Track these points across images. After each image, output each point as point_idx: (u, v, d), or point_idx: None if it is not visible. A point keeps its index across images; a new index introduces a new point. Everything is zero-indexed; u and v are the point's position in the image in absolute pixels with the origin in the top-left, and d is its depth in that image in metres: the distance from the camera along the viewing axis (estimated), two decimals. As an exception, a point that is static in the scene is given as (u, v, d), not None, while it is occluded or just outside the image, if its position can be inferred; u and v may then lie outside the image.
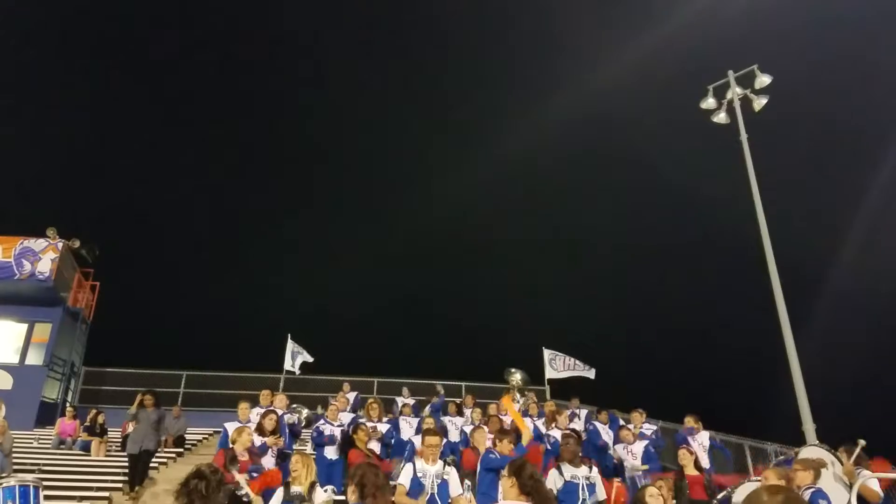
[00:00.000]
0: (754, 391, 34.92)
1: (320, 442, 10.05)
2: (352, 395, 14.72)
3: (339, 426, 10.30)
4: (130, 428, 11.23)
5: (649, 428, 11.89)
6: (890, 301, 34.70)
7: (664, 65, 40.56)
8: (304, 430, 11.60)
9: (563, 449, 6.91)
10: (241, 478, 6.74)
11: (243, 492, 6.49)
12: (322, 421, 10.48)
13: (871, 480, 6.12)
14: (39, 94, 40.04)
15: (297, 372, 17.21)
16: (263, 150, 50.15)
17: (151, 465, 11.56)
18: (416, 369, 20.96)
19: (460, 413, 12.93)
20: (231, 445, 7.63)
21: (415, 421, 11.93)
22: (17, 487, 6.51)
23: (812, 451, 6.86)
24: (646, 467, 9.58)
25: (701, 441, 10.21)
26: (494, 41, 50.37)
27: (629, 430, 10.28)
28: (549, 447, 10.21)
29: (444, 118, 48.74)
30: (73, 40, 41.75)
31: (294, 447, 10.22)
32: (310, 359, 17.24)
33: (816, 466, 6.12)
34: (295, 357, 16.88)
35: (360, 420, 10.42)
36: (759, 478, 6.37)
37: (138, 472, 10.55)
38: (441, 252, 45.67)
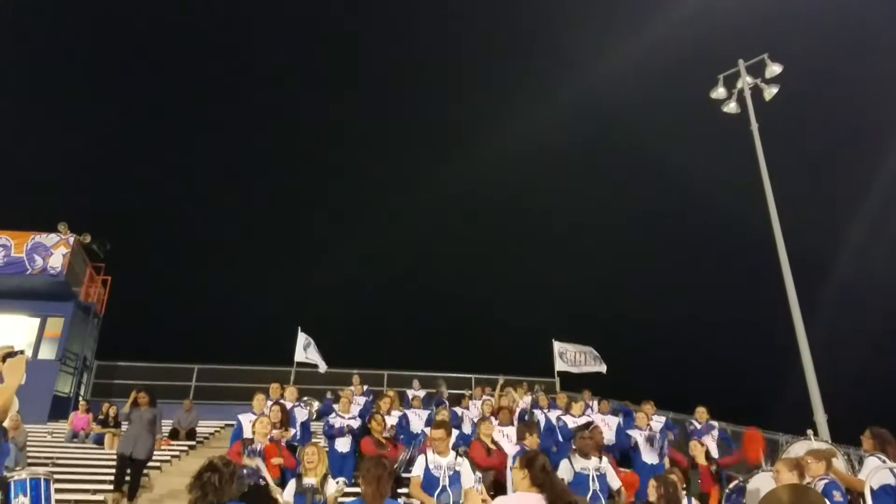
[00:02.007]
0: (765, 382, 34.85)
1: (331, 434, 10.05)
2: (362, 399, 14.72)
3: (350, 418, 10.30)
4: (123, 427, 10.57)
5: (658, 421, 11.85)
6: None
7: (667, 56, 40.39)
8: (313, 423, 11.65)
9: (579, 441, 6.88)
10: (259, 462, 6.80)
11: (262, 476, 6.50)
12: (333, 413, 10.49)
13: (879, 473, 5.78)
14: (40, 93, 40.34)
15: (322, 368, 17.22)
16: (265, 144, 50.35)
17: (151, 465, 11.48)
18: (426, 362, 21.04)
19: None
20: (251, 436, 7.70)
21: (424, 413, 11.96)
22: (28, 480, 6.53)
23: (803, 445, 6.79)
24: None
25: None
26: (494, 35, 50.22)
27: (644, 413, 10.27)
28: (560, 438, 10.20)
29: (443, 116, 48.75)
30: (74, 40, 42.01)
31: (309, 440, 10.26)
32: (323, 367, 17.18)
33: (828, 456, 6.06)
34: (307, 349, 16.89)
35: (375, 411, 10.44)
36: (771, 468, 6.33)
37: (130, 483, 9.74)
38: (446, 246, 45.75)
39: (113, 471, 10.54)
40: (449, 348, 34.37)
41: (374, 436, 8.72)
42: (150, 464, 11.95)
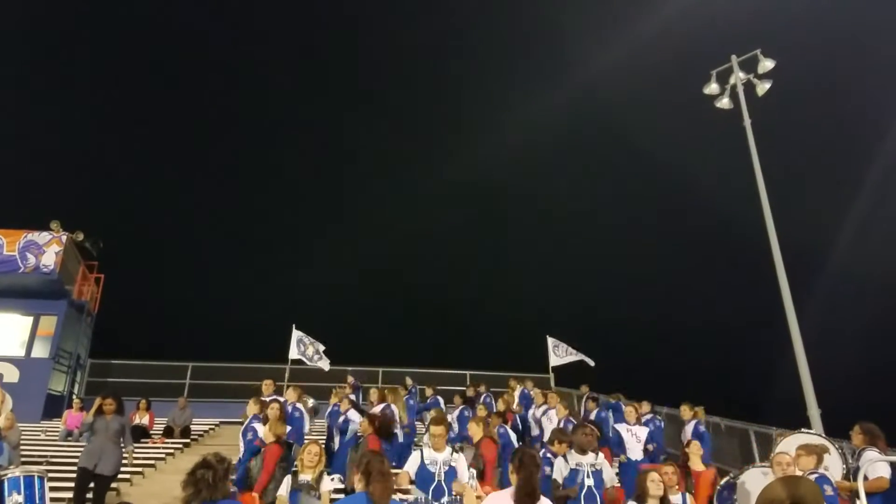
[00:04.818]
0: (760, 376, 35.03)
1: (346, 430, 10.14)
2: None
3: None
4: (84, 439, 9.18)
5: (650, 420, 11.91)
6: (890, 284, 34.77)
7: (664, 51, 40.46)
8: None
9: (579, 437, 6.91)
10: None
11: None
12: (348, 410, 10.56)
13: (878, 465, 5.84)
14: (38, 91, 40.17)
15: (326, 368, 17.22)
16: (266, 144, 50.29)
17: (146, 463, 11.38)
18: (422, 359, 21.09)
19: (469, 403, 12.92)
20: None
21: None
22: (21, 478, 6.54)
23: (797, 438, 6.84)
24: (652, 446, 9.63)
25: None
26: (494, 29, 50.19)
27: (634, 407, 10.30)
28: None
29: (442, 115, 48.71)
30: (74, 39, 41.83)
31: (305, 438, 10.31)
32: (320, 347, 17.19)
33: (819, 451, 6.09)
34: (305, 349, 16.88)
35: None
36: (763, 463, 6.37)
37: (93, 500, 8.38)
38: (442, 243, 45.76)
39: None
40: (444, 345, 34.44)
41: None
42: (145, 461, 12.00)
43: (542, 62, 49.17)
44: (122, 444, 8.72)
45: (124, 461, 8.92)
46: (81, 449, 10.00)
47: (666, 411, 13.35)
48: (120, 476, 10.20)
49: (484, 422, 8.27)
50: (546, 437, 10.00)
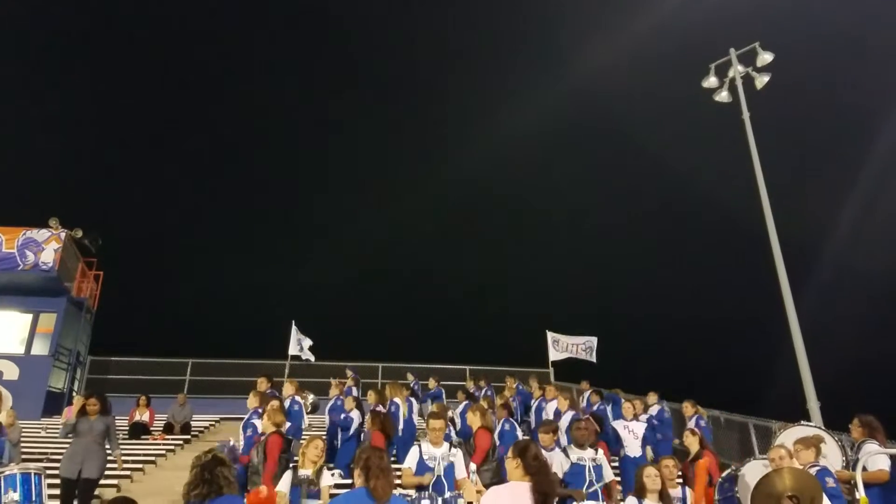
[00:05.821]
0: (758, 370, 35.09)
1: (347, 426, 10.16)
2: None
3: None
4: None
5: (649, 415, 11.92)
6: (888, 276, 34.81)
7: (662, 45, 40.41)
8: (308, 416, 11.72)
9: (575, 432, 6.91)
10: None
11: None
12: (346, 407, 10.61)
13: (878, 458, 5.85)
14: (39, 90, 40.16)
15: (312, 359, 17.27)
16: (266, 144, 50.32)
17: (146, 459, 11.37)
18: (422, 354, 21.12)
19: (472, 398, 12.94)
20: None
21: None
22: (18, 476, 6.51)
23: (796, 431, 6.85)
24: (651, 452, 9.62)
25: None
26: (494, 28, 50.14)
27: (631, 405, 10.30)
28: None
29: (442, 111, 48.67)
30: (74, 39, 41.80)
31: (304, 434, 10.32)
32: (309, 342, 17.28)
33: (816, 443, 6.09)
34: (301, 342, 16.93)
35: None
36: (764, 456, 6.36)
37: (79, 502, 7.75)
38: (442, 239, 45.78)
39: (110, 465, 8.70)
40: (444, 342, 34.45)
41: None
42: (145, 458, 11.98)
43: (541, 61, 49.17)
44: (108, 447, 8.25)
45: (113, 463, 8.57)
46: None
47: (667, 405, 13.35)
48: (120, 473, 10.24)
49: (482, 410, 8.22)
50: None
